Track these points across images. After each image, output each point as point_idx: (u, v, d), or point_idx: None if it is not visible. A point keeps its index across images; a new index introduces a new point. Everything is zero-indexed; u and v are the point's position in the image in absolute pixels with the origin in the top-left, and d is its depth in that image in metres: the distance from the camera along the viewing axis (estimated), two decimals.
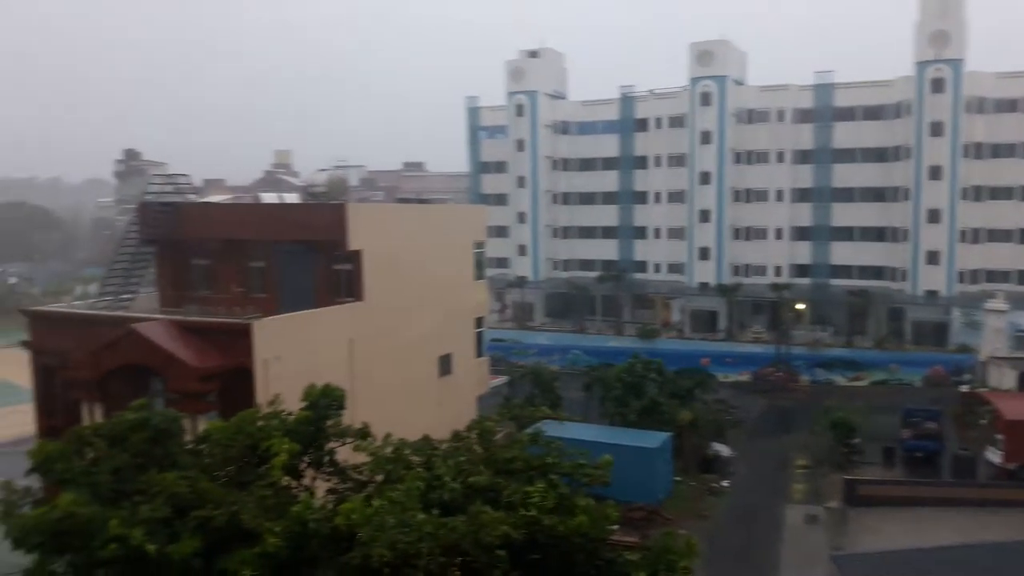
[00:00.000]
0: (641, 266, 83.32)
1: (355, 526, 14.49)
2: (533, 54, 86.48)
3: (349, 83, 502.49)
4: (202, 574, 14.80)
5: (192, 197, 34.20)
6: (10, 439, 47.61)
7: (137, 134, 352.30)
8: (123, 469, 17.12)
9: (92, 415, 25.31)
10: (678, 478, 39.10)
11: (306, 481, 17.83)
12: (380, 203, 78.41)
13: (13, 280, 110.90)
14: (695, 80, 77.37)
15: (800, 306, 72.98)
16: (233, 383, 23.96)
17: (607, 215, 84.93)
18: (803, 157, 76.23)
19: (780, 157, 76.75)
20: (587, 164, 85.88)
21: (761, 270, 77.41)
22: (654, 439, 36.91)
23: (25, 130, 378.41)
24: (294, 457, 17.02)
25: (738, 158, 77.73)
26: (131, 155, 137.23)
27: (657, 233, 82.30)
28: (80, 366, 25.38)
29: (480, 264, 36.51)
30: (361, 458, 18.29)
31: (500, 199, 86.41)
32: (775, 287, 72.28)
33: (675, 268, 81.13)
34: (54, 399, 28.19)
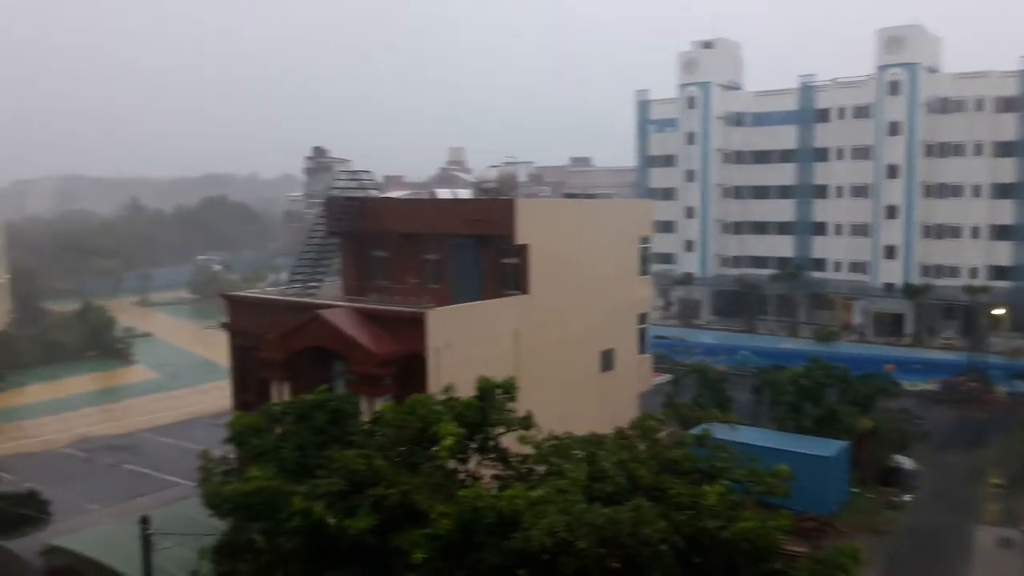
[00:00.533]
0: (819, 264, 79.28)
1: (518, 512, 14.84)
2: (707, 44, 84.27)
3: (519, 82, 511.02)
4: (375, 549, 15.65)
5: (374, 192, 35.98)
6: (210, 412, 52.36)
7: (326, 133, 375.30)
8: (306, 445, 18.43)
9: (280, 393, 27.37)
10: (855, 489, 37.01)
11: (471, 466, 18.44)
12: (547, 198, 79.28)
13: (216, 267, 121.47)
14: (883, 68, 72.59)
15: (998, 311, 66.84)
16: (407, 368, 25.13)
17: (782, 210, 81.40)
18: (1004, 150, 69.74)
19: (978, 150, 70.65)
20: (762, 157, 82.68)
21: (954, 271, 71.57)
22: (829, 447, 35.12)
23: (226, 130, 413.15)
24: (460, 442, 17.63)
25: (930, 150, 72.22)
26: (319, 152, 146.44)
27: (838, 229, 78.01)
28: (270, 347, 27.47)
29: (645, 259, 36.11)
30: (525, 448, 18.70)
31: (667, 193, 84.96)
32: (970, 290, 66.62)
33: (857, 267, 76.57)
34: (248, 377, 30.68)
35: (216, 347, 59.66)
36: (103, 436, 50.56)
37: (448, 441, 17.08)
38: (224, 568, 18.14)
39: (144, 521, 19.31)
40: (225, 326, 31.78)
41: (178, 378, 66.85)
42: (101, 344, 75.60)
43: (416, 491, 15.62)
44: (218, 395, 53.49)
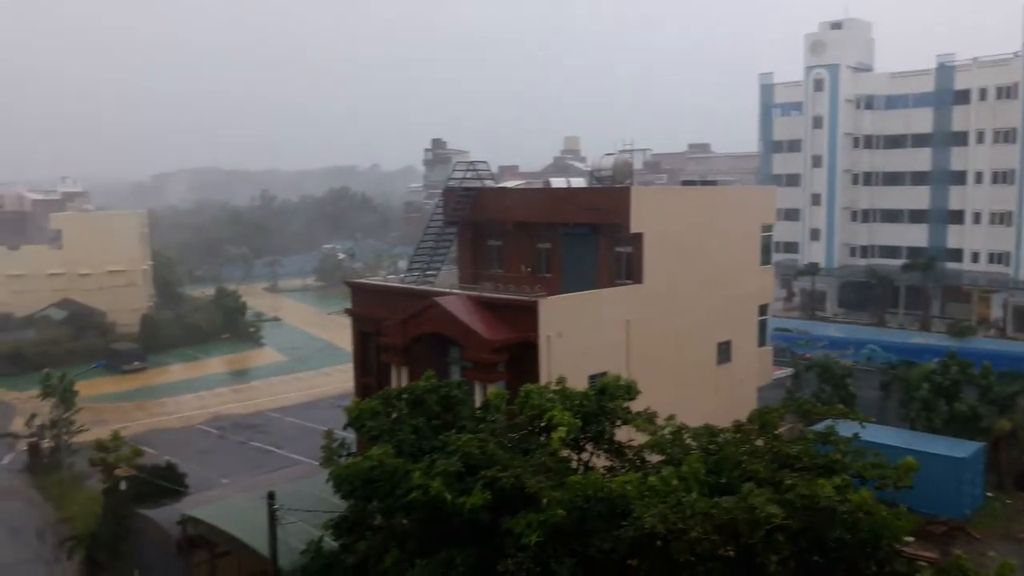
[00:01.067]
0: (955, 255, 74.63)
1: (630, 499, 14.76)
2: (836, 25, 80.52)
3: (635, 69, 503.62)
4: (488, 529, 15.90)
5: (489, 182, 36.38)
6: (333, 394, 54.53)
7: (445, 125, 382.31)
8: (421, 428, 18.90)
9: (400, 377, 28.14)
10: (990, 494, 34.76)
11: (585, 456, 18.45)
12: (663, 186, 77.82)
13: (340, 256, 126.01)
14: None
15: None
16: (520, 355, 25.32)
17: (916, 197, 77.03)
18: None
19: None
20: (894, 141, 78.43)
21: None
22: (964, 448, 33.13)
23: (349, 124, 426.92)
24: (574, 431, 17.67)
25: None
26: (438, 144, 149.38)
27: (977, 218, 73.17)
28: (391, 332, 28.26)
29: (767, 249, 34.96)
30: (638, 441, 18.54)
31: (792, 180, 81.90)
32: None
33: (997, 258, 71.63)
34: (369, 361, 31.72)
35: (339, 332, 62.04)
36: (234, 414, 53.49)
37: (560, 430, 17.13)
38: (343, 543, 18.87)
39: (271, 497, 20.30)
40: (348, 312, 32.91)
41: (303, 361, 69.86)
42: (234, 327, 79.90)
43: (529, 475, 15.76)
44: (340, 378, 55.71)
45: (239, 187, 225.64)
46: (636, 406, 18.94)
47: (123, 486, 30.76)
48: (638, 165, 39.83)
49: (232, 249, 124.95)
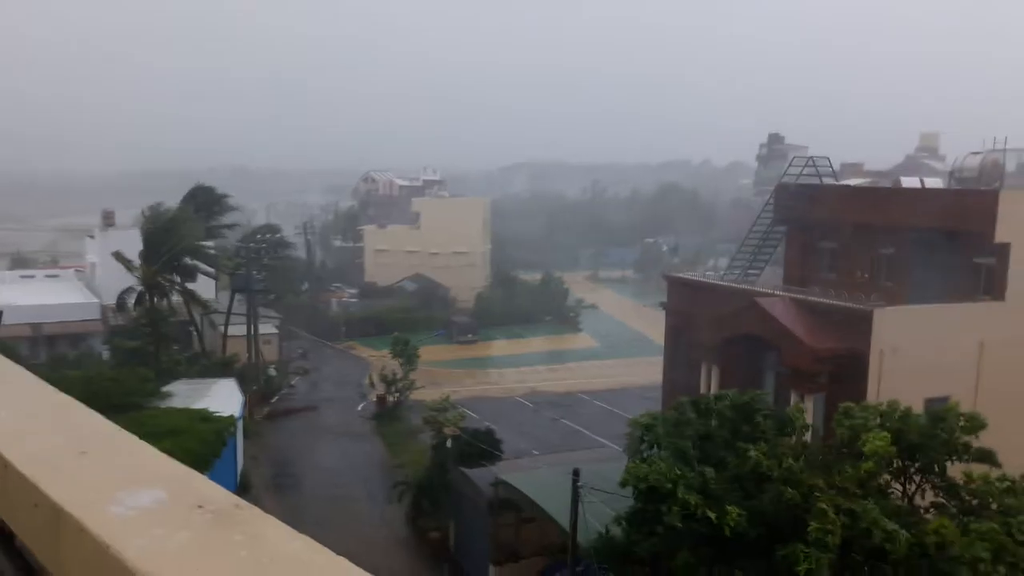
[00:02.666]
0: None
1: (946, 544, 13.11)
2: None
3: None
4: (763, 550, 15.06)
5: (829, 180, 34.05)
6: (640, 384, 54.87)
7: (780, 122, 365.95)
8: (712, 435, 18.28)
9: (709, 376, 27.50)
10: None
11: (910, 489, 16.67)
12: None
13: (662, 249, 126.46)
14: None
15: None
16: (845, 369, 23.40)
17: None
18: None
19: None
20: None
21: None
22: None
23: (681, 119, 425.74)
24: (895, 460, 16.04)
25: None
26: (775, 139, 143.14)
27: None
28: (704, 330, 27.70)
29: None
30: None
31: None
32: None
33: None
34: (679, 356, 31.40)
35: (652, 324, 62.24)
36: (548, 392, 56.22)
37: (867, 463, 15.55)
38: (632, 536, 18.93)
39: (576, 474, 20.98)
40: (663, 305, 32.87)
41: (615, 349, 71.34)
42: (556, 311, 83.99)
43: (822, 493, 14.63)
44: (649, 369, 55.74)
45: (576, 179, 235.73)
46: (985, 443, 16.61)
47: (449, 444, 33.83)
48: (1011, 167, 34.72)
49: (562, 237, 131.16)
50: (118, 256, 44.98)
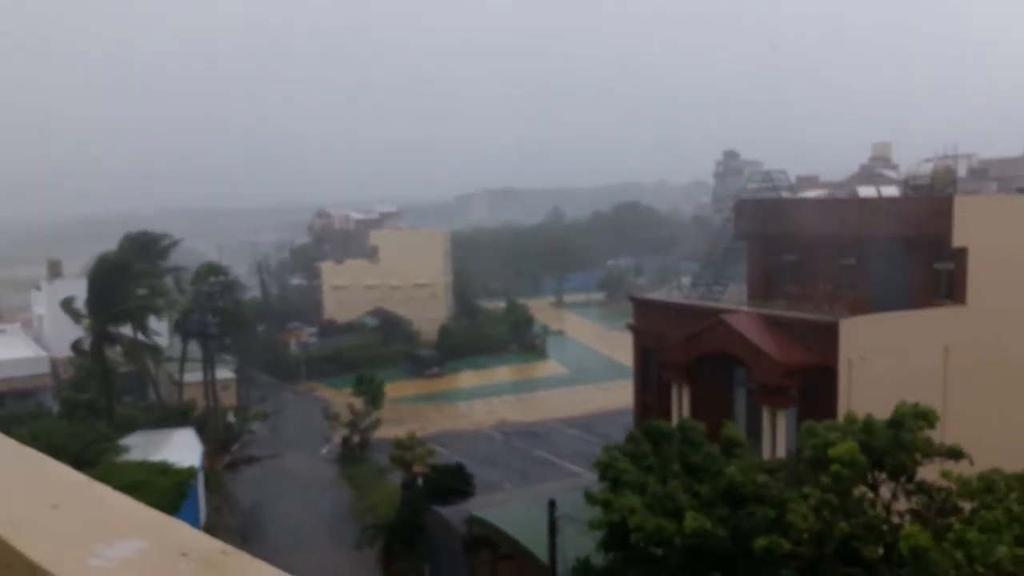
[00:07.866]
0: None
1: (918, 551, 12.98)
2: None
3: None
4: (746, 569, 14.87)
5: (786, 194, 34.21)
6: (612, 409, 54.48)
7: (734, 138, 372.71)
8: (674, 472, 18.07)
9: (680, 396, 27.13)
10: None
11: (883, 495, 16.58)
12: (993, 195, 68.57)
13: (624, 271, 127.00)
14: None
15: None
16: (815, 382, 23.21)
17: None
18: None
19: None
20: None
21: None
22: None
23: (635, 139, 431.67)
24: (863, 467, 15.95)
25: None
26: (730, 156, 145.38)
27: None
28: (673, 350, 27.37)
29: None
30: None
31: None
32: None
33: None
34: (650, 378, 31.03)
35: (620, 347, 61.90)
36: (518, 422, 55.50)
37: (835, 467, 15.40)
38: (613, 564, 18.43)
39: (552, 505, 20.38)
40: (631, 327, 32.55)
41: (584, 374, 70.90)
42: (521, 339, 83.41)
43: (792, 509, 14.44)
44: (620, 393, 55.39)
45: (535, 205, 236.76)
46: (950, 442, 16.62)
47: (419, 482, 32.96)
48: (962, 172, 35.20)
49: (523, 265, 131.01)
50: (66, 307, 43.54)
